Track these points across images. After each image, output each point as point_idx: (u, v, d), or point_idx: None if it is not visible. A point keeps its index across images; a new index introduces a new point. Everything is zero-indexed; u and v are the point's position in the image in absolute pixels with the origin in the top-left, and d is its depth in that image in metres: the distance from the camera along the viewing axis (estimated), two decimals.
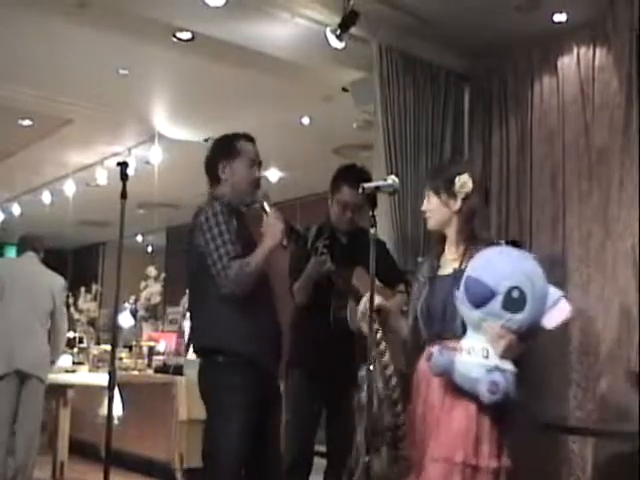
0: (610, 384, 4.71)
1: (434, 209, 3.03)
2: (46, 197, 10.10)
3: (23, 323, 5.44)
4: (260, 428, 3.30)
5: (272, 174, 9.13)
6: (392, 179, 3.01)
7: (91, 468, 6.54)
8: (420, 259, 5.03)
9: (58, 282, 5.78)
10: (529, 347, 2.81)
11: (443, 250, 3.08)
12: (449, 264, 3.01)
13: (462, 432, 2.72)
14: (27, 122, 7.63)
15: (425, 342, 2.99)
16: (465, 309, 2.76)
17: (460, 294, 2.78)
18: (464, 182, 2.97)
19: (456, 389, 2.76)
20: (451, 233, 3.02)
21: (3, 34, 5.51)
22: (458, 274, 2.88)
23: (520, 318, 2.68)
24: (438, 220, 3.03)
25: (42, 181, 9.90)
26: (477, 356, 2.69)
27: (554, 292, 2.76)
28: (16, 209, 11.00)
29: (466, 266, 2.87)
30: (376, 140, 5.33)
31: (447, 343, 2.81)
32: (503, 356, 2.68)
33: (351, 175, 3.97)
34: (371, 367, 2.85)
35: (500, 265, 2.77)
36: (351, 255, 3.89)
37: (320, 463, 4.08)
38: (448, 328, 2.86)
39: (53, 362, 5.83)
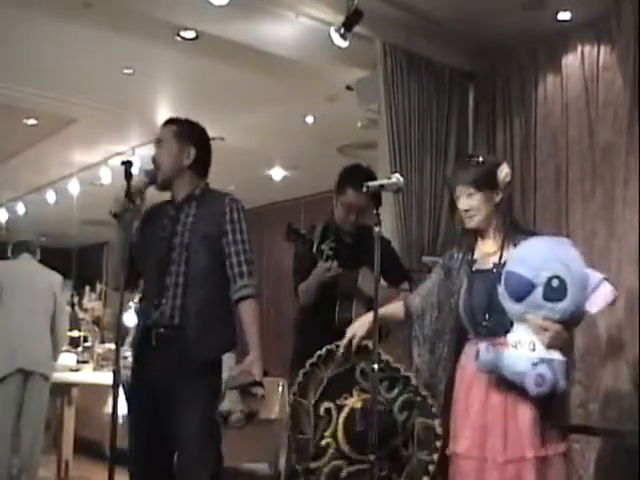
0: (612, 383, 4.70)
1: (479, 206, 2.96)
2: (50, 196, 10.10)
3: (25, 323, 5.48)
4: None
5: (276, 173, 9.14)
6: (396, 177, 2.97)
7: (96, 467, 6.54)
8: (425, 258, 5.04)
9: (57, 280, 5.84)
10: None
11: (475, 242, 3.03)
12: (487, 258, 2.97)
13: (529, 428, 2.73)
14: (32, 121, 7.64)
15: (466, 339, 2.97)
16: (507, 303, 2.74)
17: (501, 289, 2.76)
18: (507, 172, 2.97)
19: (513, 385, 2.74)
20: (490, 227, 2.99)
21: (7, 34, 5.52)
22: (500, 268, 2.84)
23: (562, 307, 2.66)
24: (483, 217, 2.97)
25: (46, 180, 9.91)
26: (524, 349, 2.68)
27: (594, 275, 2.72)
28: (21, 208, 11.01)
29: (506, 259, 2.86)
30: (380, 139, 5.34)
31: (494, 340, 2.79)
32: (550, 346, 2.67)
33: (355, 177, 3.94)
34: (375, 366, 2.83)
35: (536, 255, 2.73)
36: (356, 254, 3.89)
37: None
38: (498, 325, 2.82)
39: (54, 359, 5.87)
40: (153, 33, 5.37)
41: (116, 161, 8.18)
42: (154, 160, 3.31)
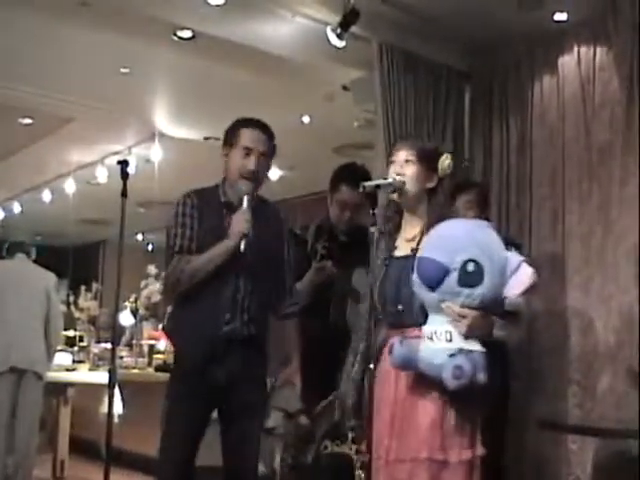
0: (610, 383, 4.70)
1: (414, 176, 2.83)
2: (47, 195, 10.11)
3: (19, 322, 5.49)
4: (223, 439, 3.27)
5: (272, 173, 9.03)
6: (392, 177, 2.97)
7: (91, 466, 6.54)
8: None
9: (51, 279, 5.86)
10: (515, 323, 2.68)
11: (399, 227, 2.92)
12: (406, 244, 2.85)
13: (427, 428, 2.59)
14: (28, 121, 7.63)
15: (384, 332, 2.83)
16: (422, 292, 2.58)
17: (415, 277, 2.61)
18: (449, 163, 2.85)
19: (420, 384, 2.61)
20: (415, 211, 2.87)
21: (4, 33, 5.51)
22: (415, 254, 2.72)
23: (480, 292, 2.50)
24: (415, 189, 2.84)
25: (43, 179, 9.91)
26: (440, 341, 2.53)
27: (514, 258, 2.56)
28: (17, 208, 11.02)
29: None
30: (377, 139, 5.33)
31: (408, 332, 2.67)
32: (468, 336, 2.52)
33: (350, 174, 3.94)
34: (371, 366, 2.82)
35: (451, 239, 2.58)
36: (351, 254, 3.88)
37: None
38: (407, 315, 2.69)
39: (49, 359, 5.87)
40: (150, 32, 5.36)
41: (112, 160, 8.16)
42: (256, 173, 3.29)
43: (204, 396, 3.19)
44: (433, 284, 2.53)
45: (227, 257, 3.15)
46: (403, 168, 2.85)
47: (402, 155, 2.88)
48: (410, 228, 2.88)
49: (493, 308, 2.56)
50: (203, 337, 3.20)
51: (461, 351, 2.49)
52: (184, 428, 3.21)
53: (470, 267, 2.49)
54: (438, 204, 2.85)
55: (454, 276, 2.50)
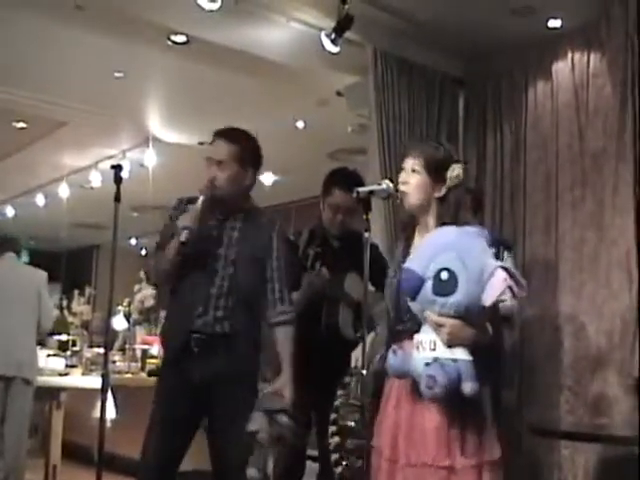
0: (602, 389, 4.71)
1: (418, 186, 2.75)
2: (40, 199, 10.10)
3: (7, 325, 5.41)
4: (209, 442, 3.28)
5: (266, 178, 9.13)
6: (386, 183, 2.91)
7: (84, 471, 6.49)
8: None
9: (41, 277, 5.77)
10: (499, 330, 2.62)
11: (413, 235, 2.86)
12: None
13: (433, 433, 2.56)
14: (22, 124, 7.63)
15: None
16: (408, 302, 2.57)
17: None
18: (458, 174, 2.75)
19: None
20: (427, 219, 2.79)
21: None
22: None
23: (455, 301, 2.44)
24: (418, 199, 2.76)
25: (36, 183, 9.90)
26: (425, 350, 2.50)
27: (491, 264, 2.48)
28: (10, 211, 11.00)
29: None
30: (371, 144, 5.34)
31: (409, 339, 2.62)
32: (451, 345, 2.47)
33: (342, 178, 3.96)
34: (364, 372, 2.82)
35: (428, 248, 2.54)
36: (343, 259, 3.88)
37: (311, 467, 4.08)
38: (413, 323, 2.64)
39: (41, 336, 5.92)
40: (144, 37, 5.36)
41: (106, 164, 8.17)
42: (212, 181, 3.26)
43: (184, 394, 3.19)
44: (412, 293, 2.51)
45: (175, 250, 3.18)
46: (409, 176, 2.78)
47: (409, 163, 2.80)
48: (420, 237, 2.82)
49: (472, 316, 2.50)
50: (177, 330, 3.26)
51: (436, 360, 2.46)
52: (163, 427, 3.21)
53: (444, 275, 2.45)
54: (446, 212, 2.76)
55: (429, 285, 2.47)
